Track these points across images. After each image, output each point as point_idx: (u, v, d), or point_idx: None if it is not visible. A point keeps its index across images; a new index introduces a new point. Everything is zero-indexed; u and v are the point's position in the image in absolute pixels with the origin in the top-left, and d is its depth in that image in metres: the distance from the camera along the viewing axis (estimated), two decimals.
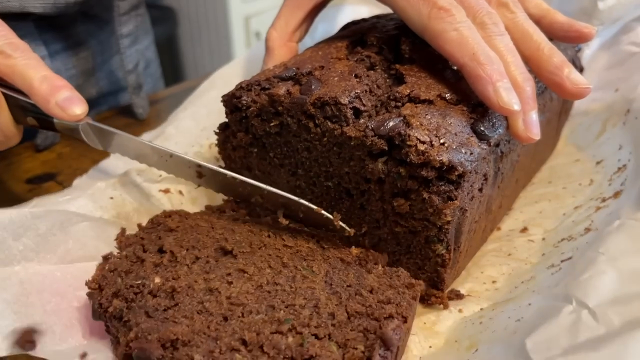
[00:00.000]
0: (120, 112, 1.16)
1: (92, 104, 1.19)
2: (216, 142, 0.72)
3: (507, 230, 0.73)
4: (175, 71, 2.85)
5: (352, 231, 0.60)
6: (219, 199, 0.78)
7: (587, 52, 0.94)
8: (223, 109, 0.69)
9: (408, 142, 0.54)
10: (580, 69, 0.86)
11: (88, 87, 1.13)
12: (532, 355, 0.43)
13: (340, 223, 0.60)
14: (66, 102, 0.63)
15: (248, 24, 2.68)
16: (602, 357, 0.40)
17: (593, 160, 0.80)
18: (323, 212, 0.60)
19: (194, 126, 0.81)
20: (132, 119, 1.12)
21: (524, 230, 0.72)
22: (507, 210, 0.77)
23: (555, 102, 0.79)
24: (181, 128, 0.80)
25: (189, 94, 0.90)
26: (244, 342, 0.51)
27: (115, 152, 0.70)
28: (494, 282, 0.64)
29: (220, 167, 0.76)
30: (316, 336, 0.51)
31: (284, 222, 0.63)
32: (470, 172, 0.55)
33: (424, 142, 0.54)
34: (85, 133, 0.67)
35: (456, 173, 0.54)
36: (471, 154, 0.55)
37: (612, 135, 0.80)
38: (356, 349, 0.49)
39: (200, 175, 0.67)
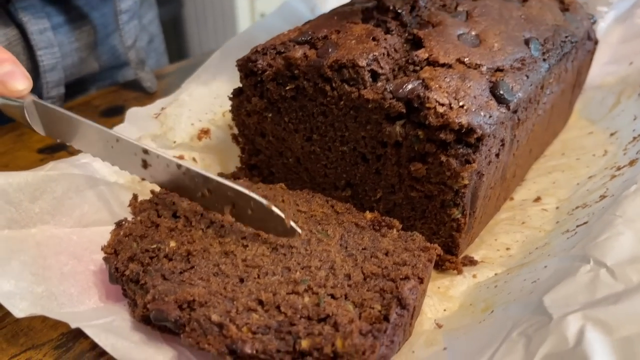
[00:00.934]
0: (128, 85, 1.16)
1: (96, 77, 1.19)
2: (230, 109, 0.72)
3: (520, 200, 0.73)
4: (180, 52, 2.83)
5: (302, 233, 0.56)
6: (231, 166, 0.78)
7: (602, 24, 0.93)
8: (236, 77, 0.69)
9: (427, 105, 0.53)
10: (595, 42, 0.86)
11: (91, 60, 1.13)
12: (551, 311, 0.43)
13: (292, 223, 0.54)
14: (7, 76, 0.60)
15: (253, 4, 2.65)
16: (622, 310, 0.40)
17: (607, 132, 0.80)
18: (274, 208, 0.54)
19: (207, 94, 0.81)
20: (140, 92, 1.12)
21: (538, 199, 0.72)
22: (520, 181, 0.77)
23: (570, 73, 0.78)
24: (195, 95, 0.80)
25: (196, 69, 0.90)
26: (261, 302, 0.51)
27: (59, 139, 0.64)
28: (507, 249, 0.64)
29: (233, 134, 0.76)
30: (332, 296, 0.51)
31: (230, 220, 0.57)
32: (488, 136, 0.55)
33: (443, 105, 0.53)
34: (29, 113, 0.62)
35: (475, 136, 0.54)
36: (490, 117, 0.55)
37: (627, 107, 0.80)
38: (373, 308, 0.50)
39: (146, 164, 0.60)
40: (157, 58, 1.33)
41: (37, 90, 1.02)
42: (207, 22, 2.76)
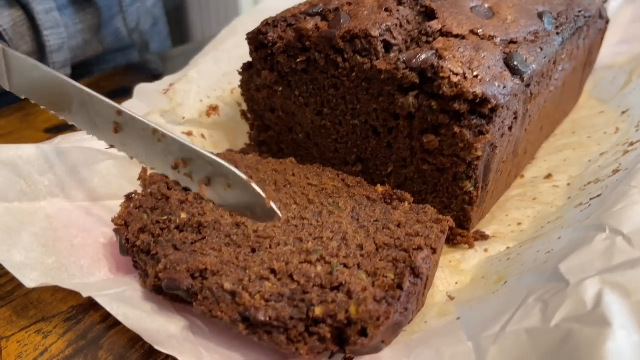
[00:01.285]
0: (133, 68, 1.16)
1: (100, 60, 1.19)
2: (238, 85, 0.71)
3: (530, 177, 0.73)
4: (183, 40, 2.82)
5: (282, 217, 0.51)
6: (240, 143, 0.78)
7: (613, 4, 0.92)
8: (244, 55, 0.68)
9: (441, 74, 0.53)
10: (607, 21, 0.85)
11: (95, 43, 1.12)
12: (567, 277, 0.43)
13: (272, 204, 0.48)
14: None
15: None
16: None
17: (618, 110, 0.80)
18: (254, 184, 0.49)
19: (215, 71, 0.80)
20: (145, 75, 1.12)
21: (549, 176, 0.71)
22: (530, 159, 0.76)
23: (582, 51, 0.78)
24: (203, 72, 0.79)
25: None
26: (273, 271, 0.51)
27: (24, 95, 0.58)
28: (519, 224, 0.64)
29: (243, 111, 0.76)
30: (345, 265, 0.51)
31: (205, 196, 0.52)
32: (502, 107, 0.54)
33: (457, 74, 0.53)
34: None
35: (489, 106, 0.53)
36: (504, 87, 0.54)
37: (638, 85, 0.79)
38: (386, 277, 0.49)
39: (117, 129, 0.54)
40: (161, 42, 1.33)
41: None
42: (210, 11, 2.75)
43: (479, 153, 0.55)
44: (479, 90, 0.52)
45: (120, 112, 0.54)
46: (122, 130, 0.54)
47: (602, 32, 0.84)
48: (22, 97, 0.58)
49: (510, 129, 0.59)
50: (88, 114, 0.55)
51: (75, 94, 0.55)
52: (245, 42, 0.66)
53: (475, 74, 0.54)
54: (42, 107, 0.58)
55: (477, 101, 0.53)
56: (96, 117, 0.55)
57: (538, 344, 0.38)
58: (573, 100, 0.86)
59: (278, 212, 0.49)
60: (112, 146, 0.56)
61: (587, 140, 0.76)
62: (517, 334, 0.40)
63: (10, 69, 0.57)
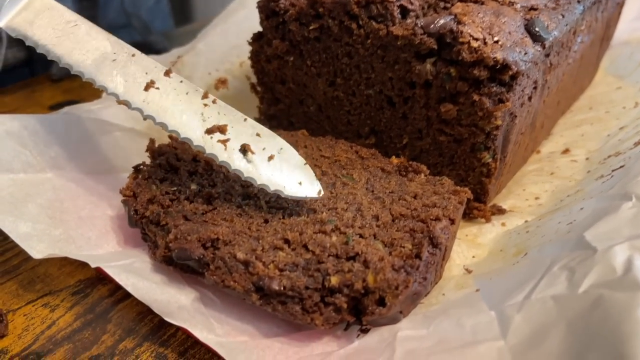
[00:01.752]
0: (138, 47, 1.14)
1: None
2: (248, 57, 0.69)
3: (547, 152, 0.71)
4: (187, 22, 2.80)
5: (326, 178, 0.54)
6: (250, 117, 0.76)
7: None
8: (254, 27, 0.67)
9: (460, 39, 0.51)
10: None
11: (97, 20, 1.11)
12: (594, 244, 0.41)
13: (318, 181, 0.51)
14: None
15: None
16: None
17: (636, 85, 0.78)
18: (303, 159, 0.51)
19: (224, 43, 0.79)
20: (150, 54, 1.10)
21: (566, 151, 0.70)
22: (546, 135, 0.74)
23: (600, 24, 0.75)
24: (211, 45, 0.77)
25: None
26: (287, 241, 0.49)
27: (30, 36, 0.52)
28: (537, 198, 0.63)
29: (252, 84, 0.74)
30: (361, 236, 0.50)
31: (233, 165, 0.51)
32: (523, 74, 0.52)
33: (477, 39, 0.51)
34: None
35: (510, 73, 0.51)
36: (525, 54, 0.53)
37: None
38: (404, 247, 0.48)
39: (149, 86, 0.53)
40: (163, 19, 1.32)
41: None
42: None
43: (499, 122, 0.53)
44: (499, 55, 0.51)
45: (168, 73, 0.55)
46: (157, 88, 0.53)
47: (620, 5, 0.82)
48: (15, 35, 0.54)
49: (529, 98, 0.58)
50: (113, 65, 0.53)
51: (122, 50, 0.55)
52: (255, 15, 0.65)
53: (495, 39, 0.52)
54: (39, 49, 0.53)
55: (498, 67, 0.51)
56: (127, 72, 0.53)
57: (566, 310, 0.37)
58: (589, 76, 0.84)
59: (320, 187, 0.51)
60: (123, 102, 0.53)
61: (605, 115, 0.75)
62: (543, 300, 0.39)
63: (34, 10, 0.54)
